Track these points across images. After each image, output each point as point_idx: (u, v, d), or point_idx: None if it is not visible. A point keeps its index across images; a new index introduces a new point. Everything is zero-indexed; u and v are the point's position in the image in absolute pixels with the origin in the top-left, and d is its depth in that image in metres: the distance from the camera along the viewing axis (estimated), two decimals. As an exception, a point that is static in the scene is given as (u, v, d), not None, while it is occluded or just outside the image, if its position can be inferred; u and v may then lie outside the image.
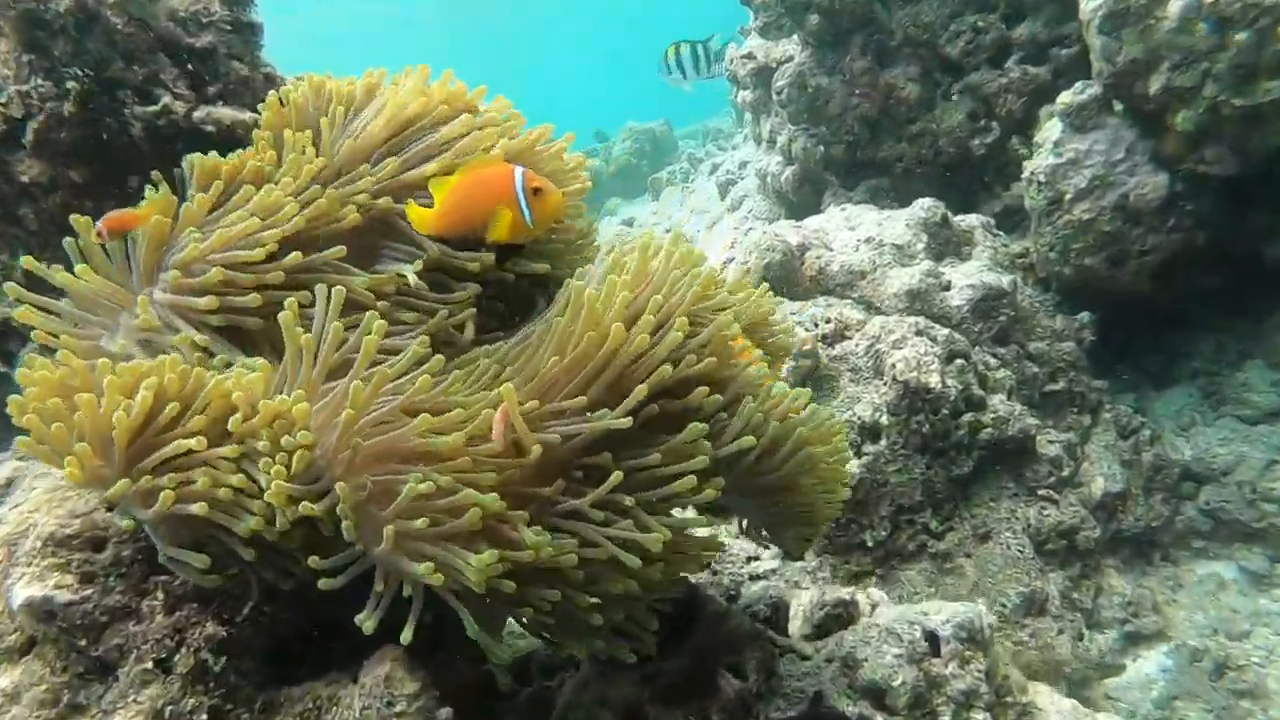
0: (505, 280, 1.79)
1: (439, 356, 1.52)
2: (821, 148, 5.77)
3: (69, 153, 1.85)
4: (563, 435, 1.47)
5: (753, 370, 1.65)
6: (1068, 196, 4.25)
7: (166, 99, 1.92)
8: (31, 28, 1.77)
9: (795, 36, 5.86)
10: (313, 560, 1.43)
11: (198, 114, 1.97)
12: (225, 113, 2.01)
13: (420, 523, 1.33)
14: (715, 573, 3.19)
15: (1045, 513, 3.85)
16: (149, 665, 1.51)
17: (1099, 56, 3.92)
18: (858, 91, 5.50)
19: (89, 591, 1.52)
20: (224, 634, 1.56)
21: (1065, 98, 4.22)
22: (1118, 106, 4.10)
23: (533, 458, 1.43)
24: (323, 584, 1.43)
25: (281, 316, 1.46)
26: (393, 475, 1.38)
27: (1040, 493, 3.91)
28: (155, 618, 1.55)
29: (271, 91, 1.82)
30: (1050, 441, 4.07)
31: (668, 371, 1.48)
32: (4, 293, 2.16)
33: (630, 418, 1.46)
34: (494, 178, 1.59)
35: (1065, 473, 4.01)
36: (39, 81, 1.79)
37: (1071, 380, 4.39)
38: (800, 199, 6.21)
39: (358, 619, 1.42)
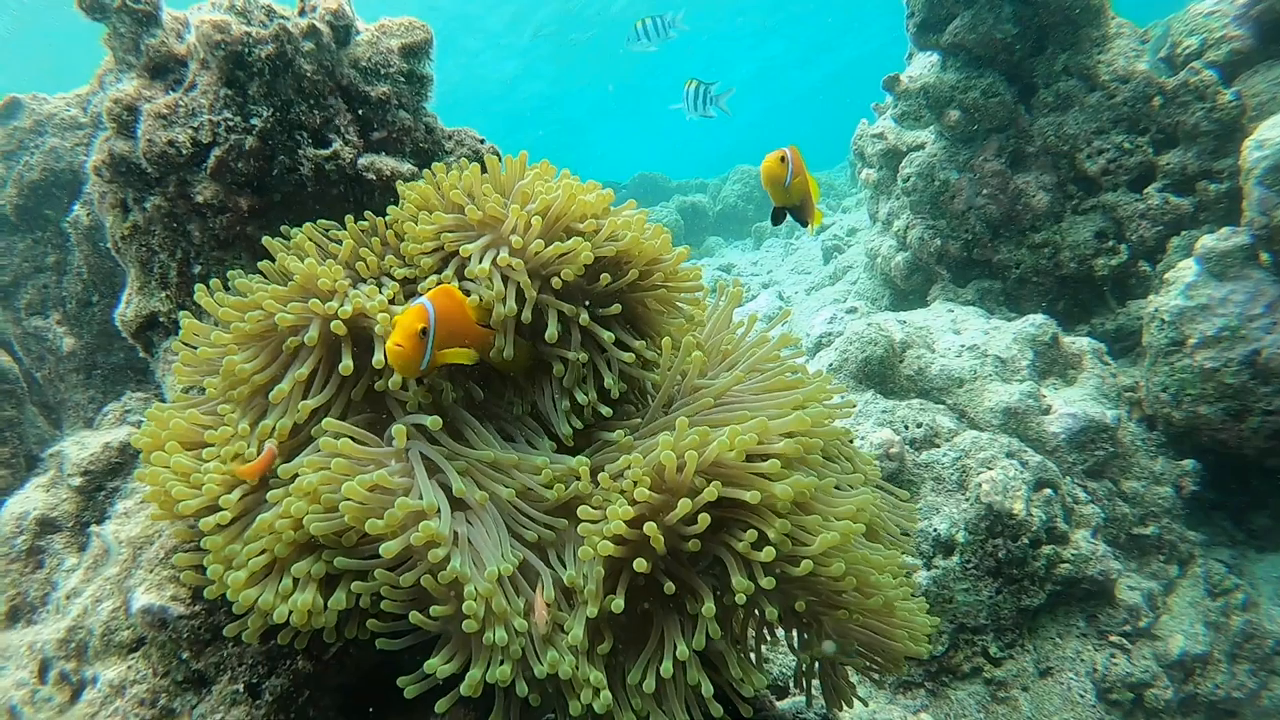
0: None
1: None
2: (938, 240, 5.72)
3: (242, 182, 1.98)
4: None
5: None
6: (1192, 341, 4.13)
7: (337, 144, 2.03)
8: (233, 67, 1.91)
9: (931, 127, 5.83)
10: (372, 623, 1.55)
11: (362, 161, 2.09)
12: (387, 163, 2.12)
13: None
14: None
15: (1114, 661, 3.72)
16: (240, 687, 1.59)
17: (1254, 207, 3.80)
18: (984, 192, 5.44)
19: (199, 608, 1.61)
20: (311, 669, 1.63)
21: (1208, 241, 4.10)
22: (1264, 258, 3.96)
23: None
24: (380, 644, 1.56)
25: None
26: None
27: (1112, 639, 3.77)
28: (254, 642, 1.63)
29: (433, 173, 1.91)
30: (1131, 588, 3.93)
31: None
32: (153, 290, 2.33)
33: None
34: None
35: (1142, 623, 3.86)
36: (228, 115, 1.92)
37: (1164, 527, 4.23)
38: (908, 286, 6.16)
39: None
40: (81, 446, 3.12)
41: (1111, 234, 5.34)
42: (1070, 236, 5.42)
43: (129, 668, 1.59)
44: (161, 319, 2.31)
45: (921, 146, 5.88)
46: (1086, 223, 5.38)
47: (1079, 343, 4.65)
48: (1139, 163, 5.24)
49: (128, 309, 2.29)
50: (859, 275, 7.48)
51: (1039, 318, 4.54)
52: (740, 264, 12.28)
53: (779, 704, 2.85)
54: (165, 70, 2.05)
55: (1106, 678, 3.66)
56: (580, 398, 1.75)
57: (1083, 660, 3.68)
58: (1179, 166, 4.99)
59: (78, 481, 2.87)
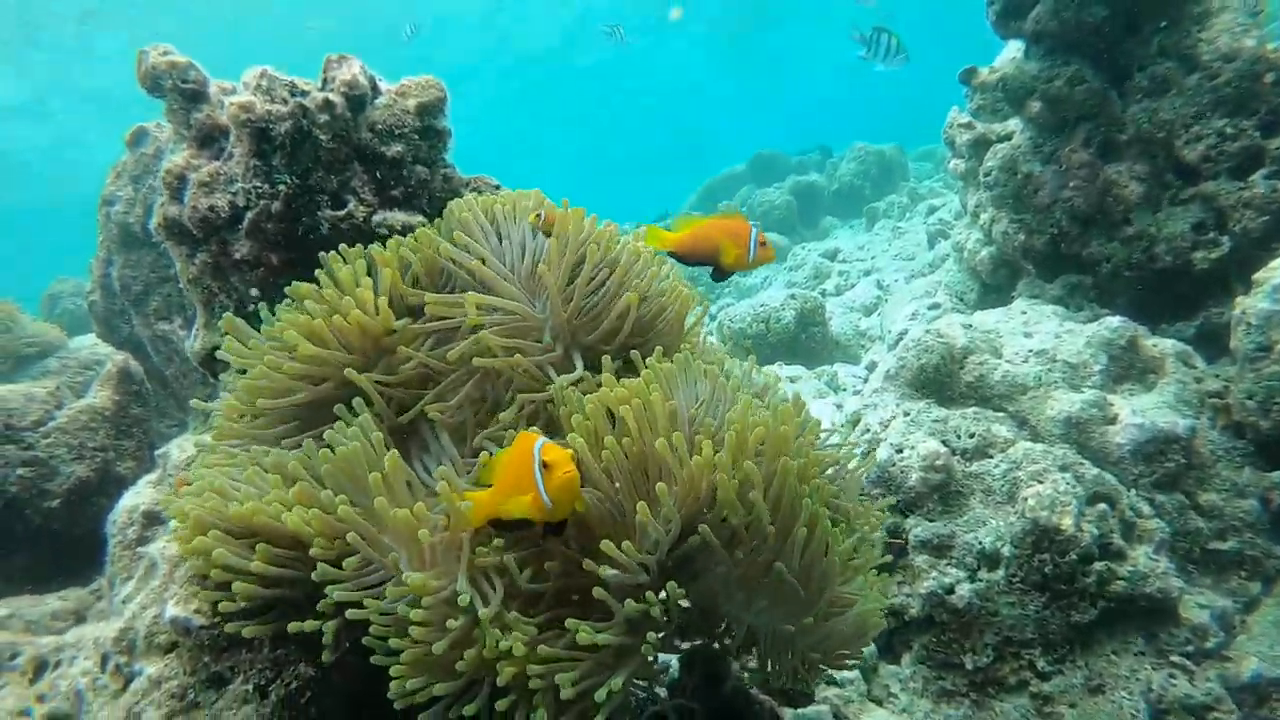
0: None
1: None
2: (1023, 235, 5.54)
3: (272, 240, 2.25)
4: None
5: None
6: None
7: (352, 204, 2.28)
8: (259, 141, 2.17)
9: (1014, 119, 5.64)
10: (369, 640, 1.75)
11: (376, 217, 2.33)
12: (398, 217, 2.35)
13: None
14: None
15: (1174, 681, 3.61)
16: (250, 688, 1.87)
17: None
18: (1071, 184, 5.23)
19: (217, 620, 1.89)
20: (313, 674, 1.89)
21: (1294, 239, 3.87)
22: (1356, 261, 3.72)
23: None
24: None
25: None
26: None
27: (1173, 658, 3.66)
28: (263, 650, 1.91)
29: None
30: (1201, 606, 3.79)
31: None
32: (218, 326, 2.65)
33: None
34: (733, 223, 2.29)
35: (1209, 643, 3.72)
36: (257, 183, 2.19)
37: (1245, 542, 4.04)
38: (995, 281, 6.00)
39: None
40: (181, 449, 3.54)
41: (1211, 225, 5.05)
42: (1166, 228, 5.16)
43: (165, 665, 1.90)
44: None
45: (1009, 136, 5.69)
46: (1184, 214, 5.11)
47: (1162, 345, 4.45)
48: (1243, 148, 4.93)
49: (195, 342, 2.63)
50: (951, 267, 7.31)
51: (1115, 320, 4.38)
52: (847, 249, 12.09)
53: (786, 711, 2.97)
54: (211, 140, 2.34)
55: (1163, 698, 3.56)
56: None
57: (1138, 679, 3.59)
58: (1287, 152, 4.68)
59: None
